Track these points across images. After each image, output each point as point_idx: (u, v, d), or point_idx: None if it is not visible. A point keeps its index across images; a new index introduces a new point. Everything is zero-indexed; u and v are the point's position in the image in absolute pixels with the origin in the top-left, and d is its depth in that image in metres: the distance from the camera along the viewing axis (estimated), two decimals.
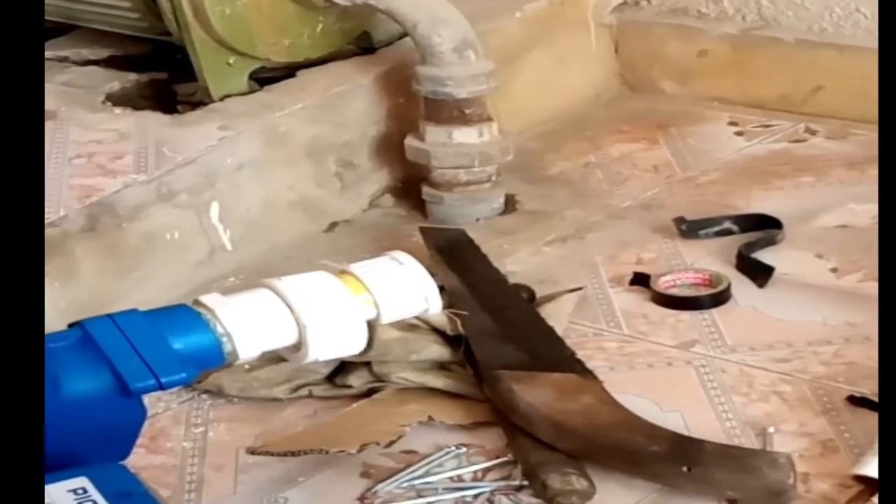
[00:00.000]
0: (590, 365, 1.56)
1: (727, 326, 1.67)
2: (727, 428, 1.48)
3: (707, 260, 1.81)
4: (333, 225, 1.99)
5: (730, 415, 1.50)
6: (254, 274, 1.73)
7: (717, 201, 1.96)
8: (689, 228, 1.87)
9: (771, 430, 1.46)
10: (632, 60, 2.37)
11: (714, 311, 1.70)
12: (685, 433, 1.43)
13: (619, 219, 1.95)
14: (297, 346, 1.27)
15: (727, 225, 1.88)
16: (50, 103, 1.99)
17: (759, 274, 1.75)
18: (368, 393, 1.57)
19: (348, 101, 2.01)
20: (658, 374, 1.59)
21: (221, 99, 1.99)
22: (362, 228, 1.98)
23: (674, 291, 1.74)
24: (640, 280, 1.76)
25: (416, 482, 1.43)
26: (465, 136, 1.94)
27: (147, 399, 1.23)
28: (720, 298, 1.72)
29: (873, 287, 1.67)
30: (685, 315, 1.70)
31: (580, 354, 1.58)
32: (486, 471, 1.44)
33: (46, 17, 2.21)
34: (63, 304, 1.68)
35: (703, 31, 2.31)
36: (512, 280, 1.76)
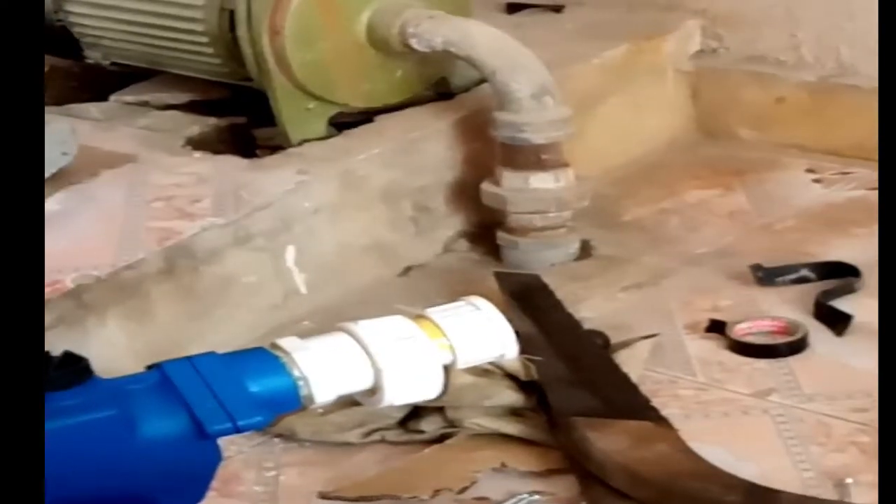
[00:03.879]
0: (664, 413, 1.55)
1: (804, 375, 1.65)
2: (804, 478, 1.46)
3: (784, 308, 1.80)
4: (408, 269, 2.00)
5: (807, 465, 1.48)
6: (328, 318, 1.73)
7: (795, 248, 1.95)
8: (766, 275, 1.86)
9: (849, 480, 1.44)
10: (709, 107, 2.36)
11: (791, 359, 1.69)
12: (761, 483, 1.41)
13: (695, 265, 1.94)
14: (373, 391, 1.28)
15: (804, 272, 1.87)
16: (130, 147, 2.02)
17: (837, 322, 1.74)
18: (441, 438, 1.57)
19: (425, 145, 2.02)
20: (734, 423, 1.58)
21: (300, 143, 2.00)
22: (437, 273, 1.99)
23: (750, 339, 1.73)
24: (716, 327, 1.75)
25: None
26: (541, 181, 1.94)
27: (220, 442, 1.23)
28: (797, 346, 1.71)
29: None
30: (761, 363, 1.69)
31: (655, 402, 1.57)
32: None
33: (129, 63, 2.25)
34: (139, 345, 1.70)
35: (781, 78, 2.30)
36: (586, 326, 1.75)
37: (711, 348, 1.73)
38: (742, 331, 1.74)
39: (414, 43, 1.99)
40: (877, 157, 2.18)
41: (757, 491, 1.39)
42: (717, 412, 1.60)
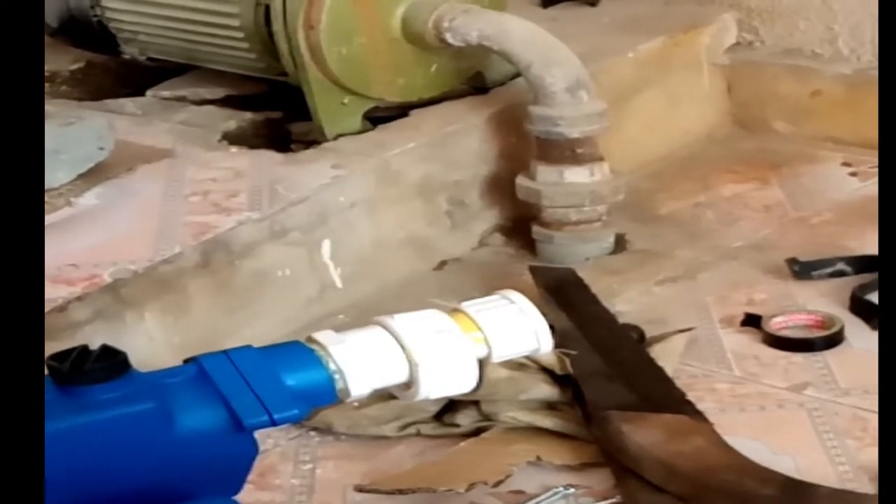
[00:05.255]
0: (700, 406, 1.55)
1: (840, 369, 1.65)
2: (840, 472, 1.46)
3: (820, 301, 1.79)
4: (443, 263, 2.00)
5: (843, 459, 1.48)
6: (364, 312, 1.74)
7: (831, 242, 1.95)
8: (802, 269, 1.86)
9: None
10: (744, 100, 2.36)
11: (827, 353, 1.69)
12: (797, 477, 1.42)
13: (731, 259, 1.94)
14: (409, 384, 1.28)
15: (841, 266, 1.86)
16: (167, 141, 2.03)
17: (873, 316, 1.73)
18: (476, 432, 1.57)
19: (460, 140, 2.02)
20: (769, 417, 1.58)
21: (335, 138, 2.01)
22: (472, 267, 1.99)
23: (786, 333, 1.73)
24: (752, 321, 1.75)
25: None
26: (576, 175, 1.94)
27: (256, 435, 1.24)
28: (833, 340, 1.70)
29: None
30: (797, 357, 1.69)
31: (690, 396, 1.57)
32: None
33: (166, 58, 2.26)
34: (176, 339, 1.71)
35: (817, 72, 2.29)
36: (621, 320, 1.76)
37: (747, 342, 1.73)
38: (778, 324, 1.74)
39: (449, 37, 1.99)
40: None
41: (793, 485, 1.39)
42: (752, 406, 1.60)
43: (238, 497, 1.24)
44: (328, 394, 1.25)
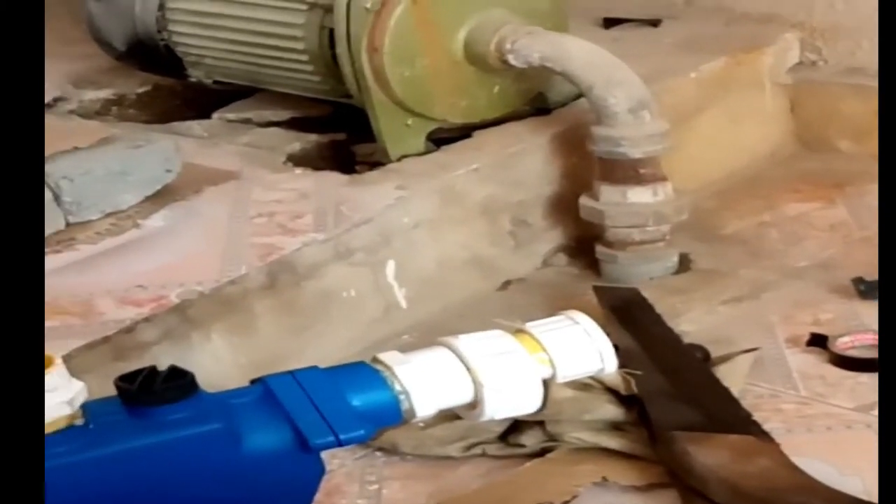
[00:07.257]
0: (766, 427, 1.54)
1: None
2: None
3: None
4: (507, 283, 2.00)
5: None
6: (428, 332, 1.74)
7: None
8: (868, 289, 1.85)
9: None
10: (808, 119, 2.35)
11: None
12: (865, 498, 1.41)
13: (796, 279, 1.93)
14: (474, 405, 1.28)
15: None
16: (233, 163, 2.04)
17: None
18: (542, 452, 1.57)
19: (523, 160, 2.02)
20: (837, 437, 1.57)
21: (399, 159, 2.02)
22: (536, 287, 1.99)
23: (852, 353, 1.72)
24: (818, 341, 1.74)
25: None
26: (639, 195, 1.94)
27: (322, 456, 1.25)
28: None
29: None
30: (864, 377, 1.67)
31: (756, 416, 1.57)
32: None
33: (231, 81, 2.28)
34: (243, 359, 1.72)
35: None
36: (686, 340, 1.75)
37: (813, 362, 1.72)
38: (844, 344, 1.73)
39: (511, 59, 2.00)
40: None
41: None
42: (819, 426, 1.59)
43: None
44: (394, 414, 1.26)
